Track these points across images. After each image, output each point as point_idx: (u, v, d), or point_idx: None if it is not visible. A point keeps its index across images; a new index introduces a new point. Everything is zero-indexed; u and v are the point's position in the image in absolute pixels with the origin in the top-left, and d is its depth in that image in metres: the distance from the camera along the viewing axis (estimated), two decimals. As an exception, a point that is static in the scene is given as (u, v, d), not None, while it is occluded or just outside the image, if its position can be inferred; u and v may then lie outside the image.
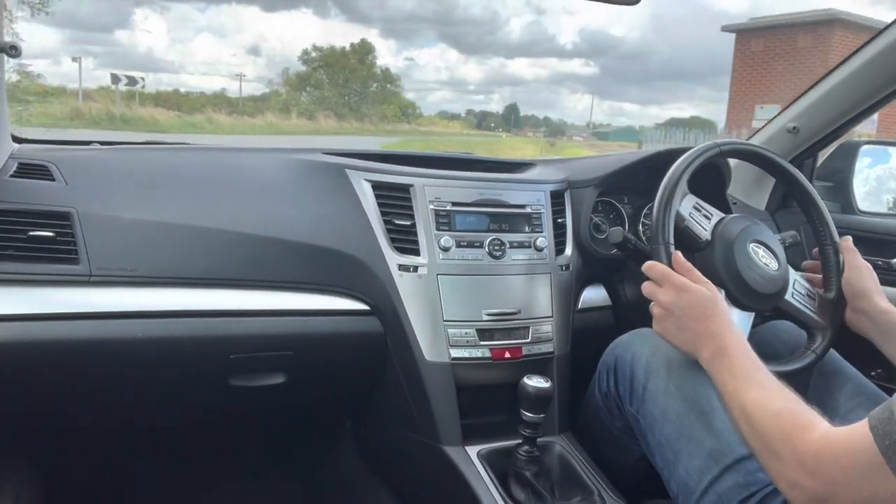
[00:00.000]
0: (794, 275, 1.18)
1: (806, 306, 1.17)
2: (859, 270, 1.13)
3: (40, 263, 1.03)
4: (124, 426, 1.36)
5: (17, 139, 1.32)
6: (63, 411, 1.21)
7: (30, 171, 1.15)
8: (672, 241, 1.06)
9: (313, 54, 40.55)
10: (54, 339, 1.03)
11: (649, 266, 1.04)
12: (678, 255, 1.04)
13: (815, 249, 1.22)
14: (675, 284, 0.99)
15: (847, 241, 1.17)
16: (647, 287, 1.04)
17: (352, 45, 41.58)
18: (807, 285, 1.19)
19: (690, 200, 1.14)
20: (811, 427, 0.75)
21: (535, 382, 1.08)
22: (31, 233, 1.03)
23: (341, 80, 38.97)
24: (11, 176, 1.13)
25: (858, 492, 0.68)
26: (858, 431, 0.70)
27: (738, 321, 1.05)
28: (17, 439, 1.28)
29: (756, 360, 0.91)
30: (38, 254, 1.03)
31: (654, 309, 1.02)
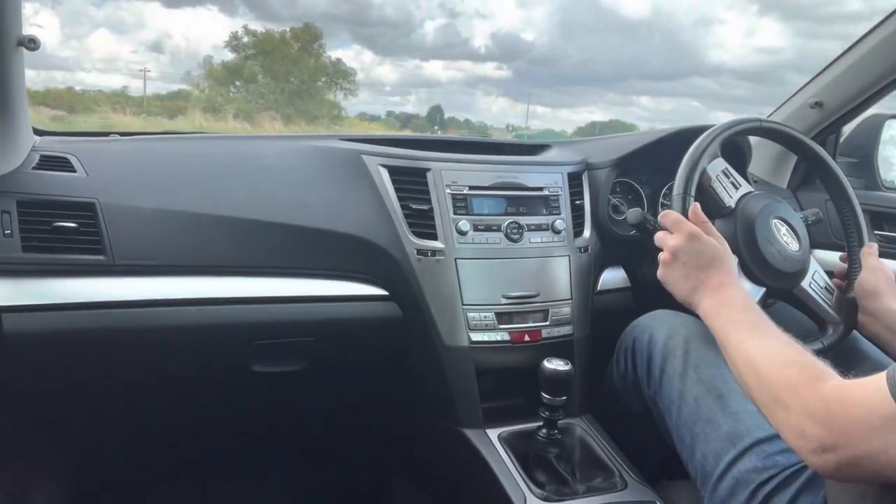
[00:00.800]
0: (815, 265, 1.17)
1: (823, 299, 1.15)
2: (873, 271, 1.11)
3: (64, 254, 1.04)
4: (149, 415, 1.38)
5: (37, 131, 1.33)
6: (88, 401, 1.24)
7: (51, 163, 1.17)
8: (693, 193, 1.06)
9: (245, 39, 31.40)
10: (79, 329, 1.05)
11: (665, 214, 1.04)
12: (696, 206, 1.04)
13: (843, 254, 1.21)
14: (686, 231, 0.99)
15: (871, 247, 1.15)
16: (659, 235, 1.04)
17: (292, 30, 32.77)
18: (826, 279, 1.18)
19: (720, 164, 1.13)
20: (822, 377, 0.75)
21: (555, 365, 1.08)
22: (55, 224, 1.04)
23: (282, 72, 30.81)
24: (34, 168, 1.14)
25: (868, 444, 0.67)
26: (874, 383, 0.69)
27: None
28: (44, 430, 1.31)
29: (762, 313, 0.91)
30: (62, 244, 1.04)
31: (662, 255, 1.02)
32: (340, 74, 32.65)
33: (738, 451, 0.92)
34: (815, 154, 1.21)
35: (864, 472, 0.69)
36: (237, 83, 30.46)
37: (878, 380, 0.68)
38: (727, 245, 1.01)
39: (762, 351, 0.83)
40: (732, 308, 0.92)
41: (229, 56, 31.11)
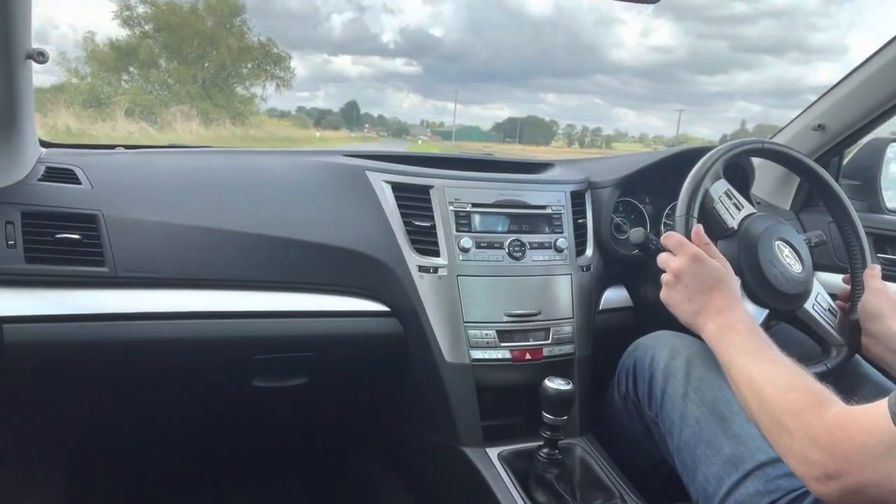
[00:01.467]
0: (818, 287, 1.16)
1: (826, 321, 1.15)
2: (876, 293, 1.11)
3: (67, 265, 1.04)
4: (148, 426, 1.38)
5: (43, 143, 1.34)
6: (88, 412, 1.23)
7: (57, 174, 1.17)
8: (696, 214, 1.06)
9: (140, 10, 22.89)
10: (79, 340, 1.05)
11: (667, 235, 1.04)
12: (699, 228, 1.04)
13: (847, 276, 1.21)
14: (689, 253, 0.99)
15: (874, 269, 1.15)
16: (662, 256, 1.04)
17: (206, 0, 23.42)
18: (830, 301, 1.17)
19: (723, 185, 1.13)
20: (826, 404, 0.74)
21: (557, 384, 1.07)
22: (59, 235, 1.05)
23: (193, 55, 23.25)
24: (39, 180, 1.15)
25: (872, 471, 0.67)
26: (876, 410, 0.68)
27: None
28: (44, 439, 1.31)
29: (765, 337, 0.90)
30: (65, 255, 1.04)
31: (665, 276, 1.02)
32: (271, 59, 24.75)
33: (741, 475, 0.91)
34: (818, 176, 1.21)
35: (869, 499, 0.68)
36: (131, 69, 22.63)
37: (881, 406, 0.68)
38: (730, 267, 1.01)
39: (766, 375, 0.83)
40: (736, 332, 0.91)
41: (121, 33, 22.84)
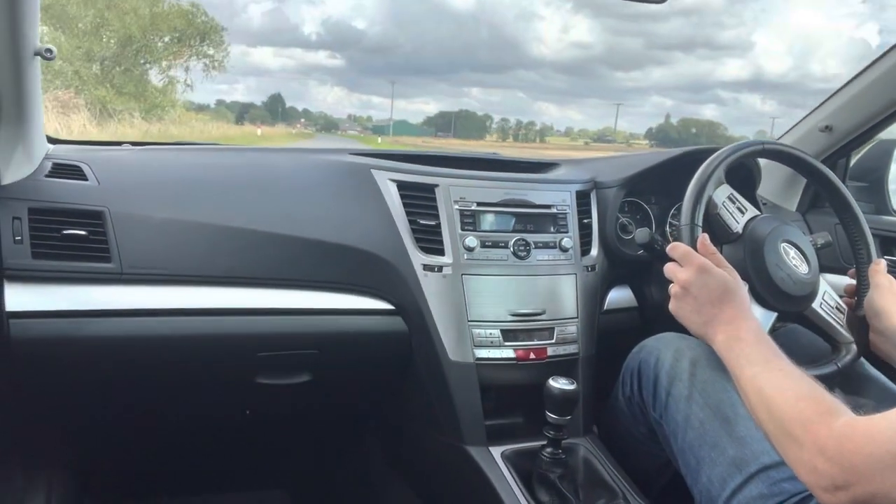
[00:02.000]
0: (824, 286, 1.16)
1: (834, 319, 1.14)
2: (880, 290, 1.10)
3: (73, 261, 1.05)
4: (153, 423, 1.38)
5: (51, 140, 1.35)
6: (92, 408, 1.24)
7: (64, 170, 1.18)
8: (700, 223, 1.06)
9: None
10: (85, 336, 1.05)
11: (673, 246, 1.03)
12: (704, 238, 1.04)
13: (851, 270, 1.20)
14: (696, 264, 0.99)
15: (878, 265, 1.14)
16: (668, 267, 1.03)
17: None
18: (837, 298, 1.17)
19: (725, 191, 1.12)
20: (835, 413, 0.74)
21: (561, 384, 1.07)
22: (65, 231, 1.05)
23: (88, 24, 16.99)
24: (46, 176, 1.15)
25: (882, 482, 0.66)
26: (885, 420, 0.68)
27: (759, 319, 1.04)
28: (49, 436, 1.31)
29: (774, 346, 0.90)
30: (71, 252, 1.05)
31: (673, 288, 1.02)
32: (197, 31, 17.71)
33: (745, 477, 0.91)
34: (825, 177, 1.20)
35: None
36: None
37: (890, 416, 0.68)
38: (737, 275, 1.00)
39: (775, 385, 0.83)
40: (745, 342, 0.91)
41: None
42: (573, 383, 1.08)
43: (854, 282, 1.19)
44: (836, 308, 1.16)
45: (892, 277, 1.12)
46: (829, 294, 1.16)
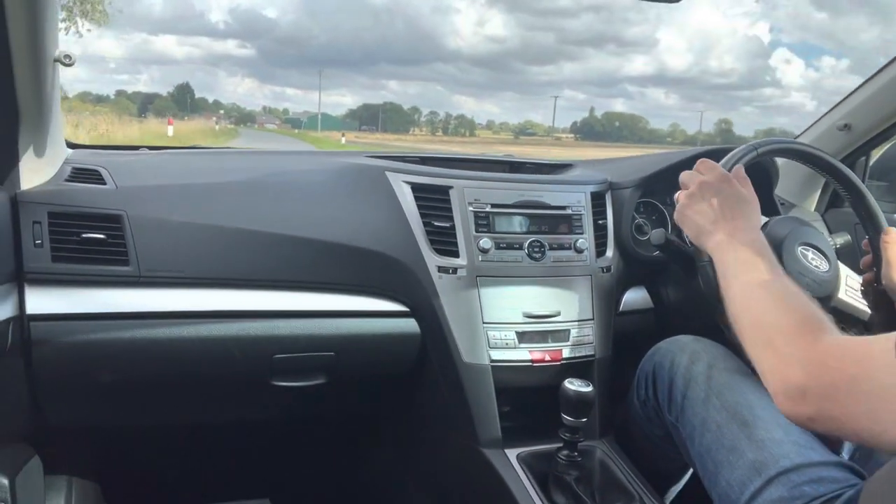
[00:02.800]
0: (845, 270, 1.14)
1: (860, 301, 1.12)
2: (892, 263, 1.07)
3: (92, 265, 1.06)
4: (170, 425, 1.39)
5: (70, 144, 1.36)
6: (111, 410, 1.25)
7: (83, 175, 1.19)
8: (744, 164, 1.04)
9: None
10: (104, 339, 1.06)
11: (703, 160, 1.01)
12: (741, 167, 1.02)
13: (865, 241, 1.18)
14: (720, 173, 0.97)
15: (888, 234, 1.10)
16: (686, 173, 1.02)
17: None
18: (859, 279, 1.15)
19: None
20: (824, 330, 0.73)
21: (577, 386, 1.07)
22: (84, 235, 1.06)
23: None
24: (66, 180, 1.17)
25: (854, 406, 0.65)
26: (879, 345, 0.65)
27: None
28: (69, 440, 1.33)
29: (775, 260, 0.88)
30: (90, 255, 1.06)
31: (685, 190, 1.00)
32: None
33: (764, 481, 0.89)
34: (844, 176, 1.19)
35: (836, 428, 0.68)
36: None
37: (885, 341, 0.65)
38: (758, 203, 0.98)
39: (769, 292, 0.81)
40: (747, 247, 0.88)
41: None
42: (589, 385, 1.07)
43: (870, 255, 1.16)
44: (861, 291, 1.14)
45: None
46: (850, 278, 1.14)
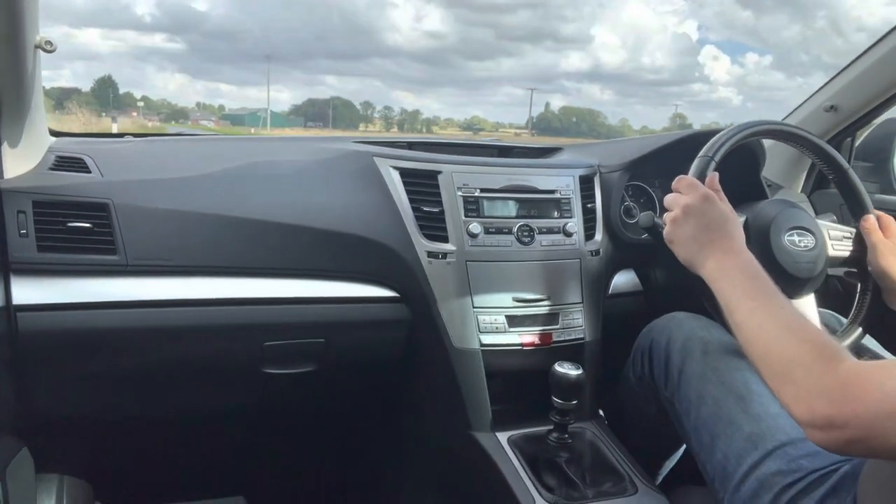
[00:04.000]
0: (825, 227, 1.16)
1: (848, 249, 1.15)
2: (876, 250, 1.09)
3: (78, 254, 1.05)
4: (160, 414, 1.39)
5: (53, 132, 1.35)
6: (99, 400, 1.24)
7: (67, 163, 1.18)
8: (718, 160, 1.05)
9: None
10: (91, 328, 1.06)
11: (679, 178, 1.02)
12: (715, 176, 1.03)
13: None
14: (702, 193, 0.98)
15: (866, 221, 1.12)
16: (670, 196, 1.02)
17: None
18: (840, 227, 1.17)
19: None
20: (839, 358, 0.73)
21: (566, 369, 1.08)
22: (70, 224, 1.05)
23: None
24: (50, 168, 1.15)
25: (882, 427, 0.66)
26: (893, 368, 0.67)
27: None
28: (58, 435, 1.32)
29: (771, 282, 0.87)
30: (76, 244, 1.05)
31: (670, 214, 1.00)
32: None
33: (762, 454, 0.90)
34: (830, 157, 1.19)
35: (870, 450, 0.69)
36: None
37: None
38: (736, 215, 0.99)
39: (777, 322, 0.80)
40: (744, 272, 0.89)
41: None
42: (579, 368, 1.08)
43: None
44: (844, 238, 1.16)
45: (881, 234, 1.10)
46: (832, 230, 1.16)
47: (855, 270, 1.16)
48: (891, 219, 1.13)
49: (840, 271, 1.21)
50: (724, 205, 0.98)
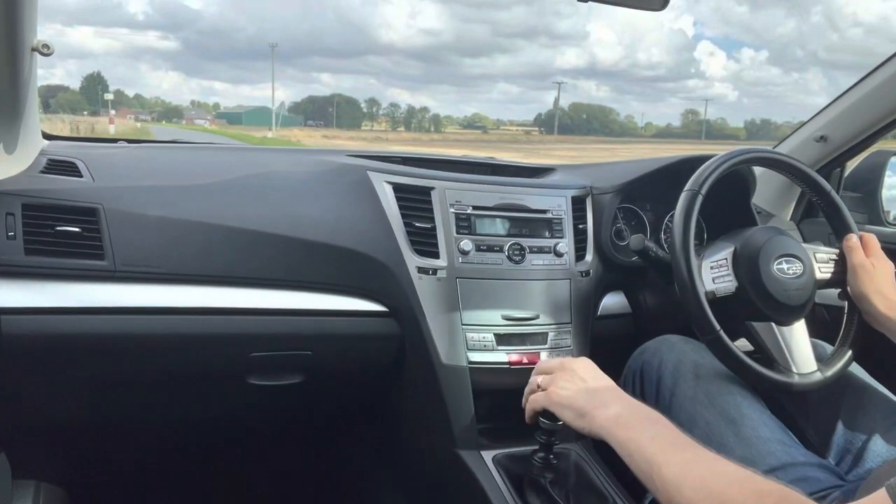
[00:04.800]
0: (811, 252, 1.16)
1: (833, 272, 1.15)
2: (856, 273, 1.09)
3: (66, 258, 1.04)
4: (143, 422, 1.38)
5: (46, 136, 1.34)
6: (81, 406, 1.23)
7: (58, 167, 1.17)
8: (704, 192, 1.07)
9: None
10: (77, 334, 1.05)
11: (539, 364, 0.99)
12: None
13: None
14: (556, 364, 0.95)
15: (848, 240, 1.12)
16: (535, 381, 0.96)
17: None
18: (825, 248, 1.18)
19: None
20: (788, 498, 0.67)
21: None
22: (59, 228, 1.05)
23: None
24: (41, 172, 1.15)
25: None
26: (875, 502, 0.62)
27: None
28: (41, 433, 1.31)
29: (666, 421, 0.80)
30: (64, 248, 1.05)
31: (543, 380, 0.94)
32: None
33: None
34: (813, 180, 1.20)
35: None
36: None
37: (881, 497, 0.61)
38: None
39: (722, 476, 0.71)
40: (652, 419, 0.80)
41: None
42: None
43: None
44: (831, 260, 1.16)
45: (867, 258, 1.10)
46: (818, 253, 1.17)
47: (840, 290, 1.17)
48: (873, 238, 1.13)
49: (827, 299, 1.22)
50: (590, 375, 0.92)
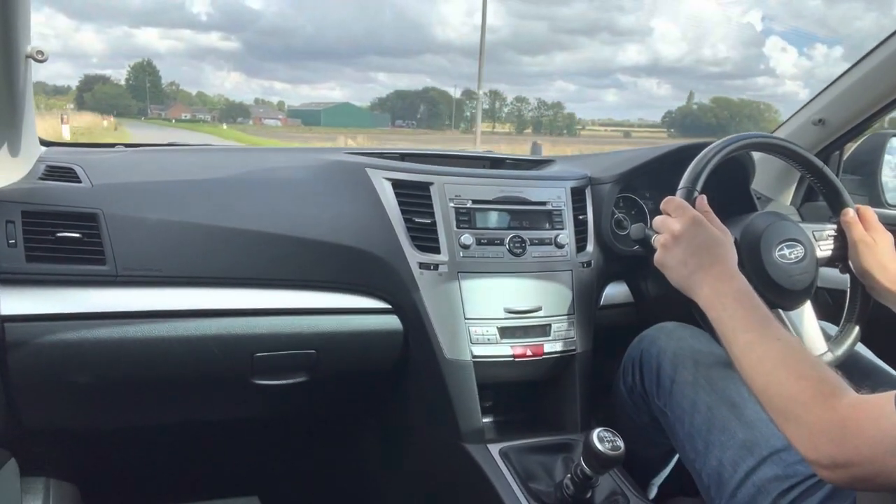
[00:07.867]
0: (809, 231, 1.15)
1: (833, 249, 1.14)
2: (856, 248, 1.09)
3: (68, 264, 1.05)
4: (149, 425, 1.38)
5: (43, 142, 1.34)
6: (89, 412, 1.23)
7: (57, 173, 1.17)
8: (699, 188, 1.04)
9: None
10: (81, 339, 1.05)
11: (668, 200, 1.00)
12: (702, 198, 1.01)
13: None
14: (690, 215, 0.96)
15: (845, 215, 1.12)
16: (659, 219, 1.00)
17: None
18: (825, 225, 1.17)
19: None
20: (837, 394, 0.72)
21: (606, 447, 0.96)
22: (59, 234, 1.05)
23: None
24: (40, 178, 1.15)
25: (883, 463, 0.66)
26: (888, 402, 0.67)
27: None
28: (47, 442, 1.31)
29: (768, 311, 0.86)
30: (65, 255, 1.05)
31: (660, 238, 0.98)
32: None
33: (757, 460, 0.90)
34: (812, 165, 1.20)
35: (879, 486, 0.69)
36: None
37: (892, 397, 0.67)
38: (730, 236, 0.98)
39: (775, 357, 0.79)
40: (738, 302, 0.86)
41: None
42: (619, 440, 0.97)
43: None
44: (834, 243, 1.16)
45: (866, 232, 1.09)
46: (817, 232, 1.17)
47: (842, 265, 1.17)
48: (870, 210, 1.12)
49: (828, 282, 1.21)
50: (715, 227, 0.97)
